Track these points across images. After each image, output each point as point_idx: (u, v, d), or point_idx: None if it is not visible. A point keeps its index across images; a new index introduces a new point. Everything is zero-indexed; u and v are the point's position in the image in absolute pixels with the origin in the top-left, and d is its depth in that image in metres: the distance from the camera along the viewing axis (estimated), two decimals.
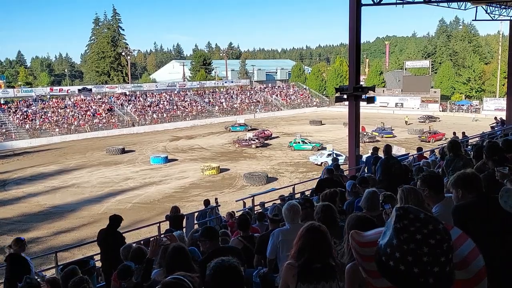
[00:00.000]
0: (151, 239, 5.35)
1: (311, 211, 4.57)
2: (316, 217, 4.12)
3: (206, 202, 14.37)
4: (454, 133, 21.37)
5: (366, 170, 12.41)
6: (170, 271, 3.29)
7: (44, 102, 61.02)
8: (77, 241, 19.55)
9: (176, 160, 39.31)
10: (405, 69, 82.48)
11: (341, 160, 32.00)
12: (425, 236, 1.28)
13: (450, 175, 6.10)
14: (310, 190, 12.96)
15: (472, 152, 7.13)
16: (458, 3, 23.15)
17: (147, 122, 62.60)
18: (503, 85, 71.77)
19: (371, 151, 12.70)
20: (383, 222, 4.02)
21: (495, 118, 26.46)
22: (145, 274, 4.12)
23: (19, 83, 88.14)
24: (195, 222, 12.38)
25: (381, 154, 10.60)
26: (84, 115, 59.76)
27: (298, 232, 3.10)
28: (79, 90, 67.56)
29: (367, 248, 1.47)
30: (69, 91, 67.29)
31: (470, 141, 18.22)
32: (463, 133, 20.90)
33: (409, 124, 55.06)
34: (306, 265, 2.91)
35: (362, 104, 17.47)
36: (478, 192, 3.10)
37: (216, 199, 15.35)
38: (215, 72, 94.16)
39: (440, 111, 68.41)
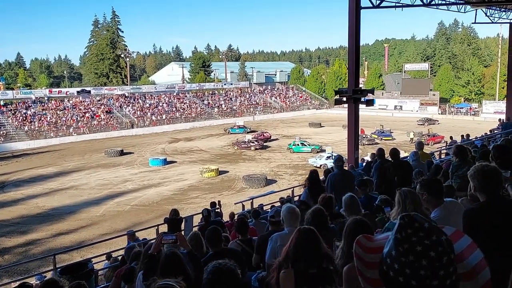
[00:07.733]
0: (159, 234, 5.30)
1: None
2: (306, 221, 4.10)
3: (213, 204, 14.37)
4: (462, 136, 20.98)
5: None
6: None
7: (43, 104, 60.96)
8: (76, 243, 19.55)
9: (175, 162, 39.25)
10: (404, 72, 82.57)
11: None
12: (426, 248, 1.23)
13: (456, 180, 6.08)
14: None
15: (476, 155, 7.04)
16: (458, 6, 23.20)
17: (146, 124, 62.53)
18: (503, 88, 71.94)
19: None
20: (383, 225, 4.01)
21: (499, 120, 26.38)
22: (147, 272, 4.06)
23: (18, 85, 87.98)
24: (194, 225, 12.31)
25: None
26: (83, 117, 59.69)
27: (290, 238, 3.04)
28: (78, 92, 67.56)
29: (372, 254, 1.42)
30: (68, 93, 67.31)
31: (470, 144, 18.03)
32: (468, 135, 20.54)
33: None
34: (302, 271, 2.85)
35: (361, 106, 17.53)
36: (492, 193, 2.85)
37: (219, 201, 15.29)
38: (214, 74, 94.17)
39: (439, 113, 68.50)
